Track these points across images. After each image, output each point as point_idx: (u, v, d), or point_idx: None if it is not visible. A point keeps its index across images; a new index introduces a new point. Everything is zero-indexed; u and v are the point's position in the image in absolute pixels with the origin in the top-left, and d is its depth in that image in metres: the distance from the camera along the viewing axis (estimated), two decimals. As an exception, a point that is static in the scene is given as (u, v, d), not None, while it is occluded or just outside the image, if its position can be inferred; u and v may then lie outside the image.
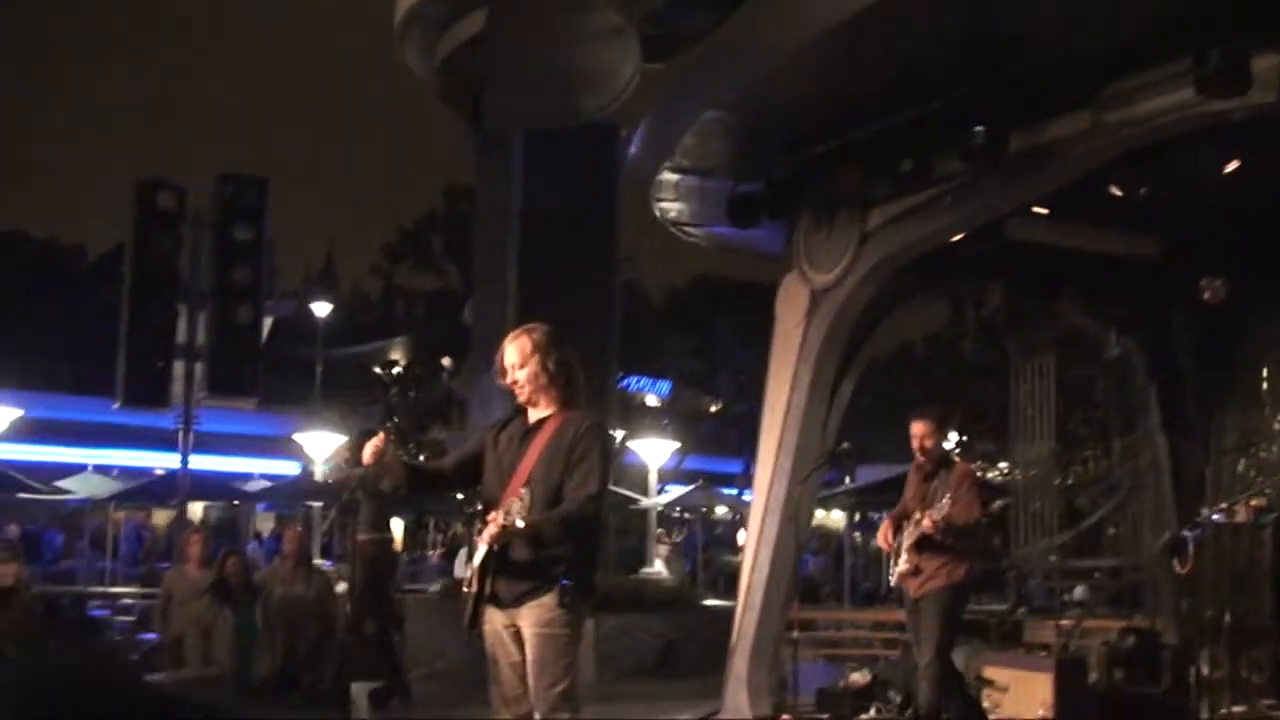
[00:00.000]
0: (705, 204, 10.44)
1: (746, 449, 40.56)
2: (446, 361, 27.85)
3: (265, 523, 30.95)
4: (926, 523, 7.54)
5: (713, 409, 48.31)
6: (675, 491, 28.33)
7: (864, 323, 9.72)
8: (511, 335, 5.29)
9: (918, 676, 7.85)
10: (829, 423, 9.60)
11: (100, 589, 20.77)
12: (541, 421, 5.17)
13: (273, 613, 10.58)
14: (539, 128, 10.01)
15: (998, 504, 17.15)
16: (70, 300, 48.60)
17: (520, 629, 5.05)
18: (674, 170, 9.99)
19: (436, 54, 8.24)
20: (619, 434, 14.70)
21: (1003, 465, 26.04)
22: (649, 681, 11.97)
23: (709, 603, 19.42)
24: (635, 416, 39.61)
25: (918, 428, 7.96)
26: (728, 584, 28.13)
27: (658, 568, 22.01)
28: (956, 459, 8.33)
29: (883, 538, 8.11)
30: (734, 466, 42.65)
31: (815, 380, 9.48)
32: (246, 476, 29.83)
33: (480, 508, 5.37)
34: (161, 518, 29.37)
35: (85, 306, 44.99)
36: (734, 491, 39.17)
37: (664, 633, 12.78)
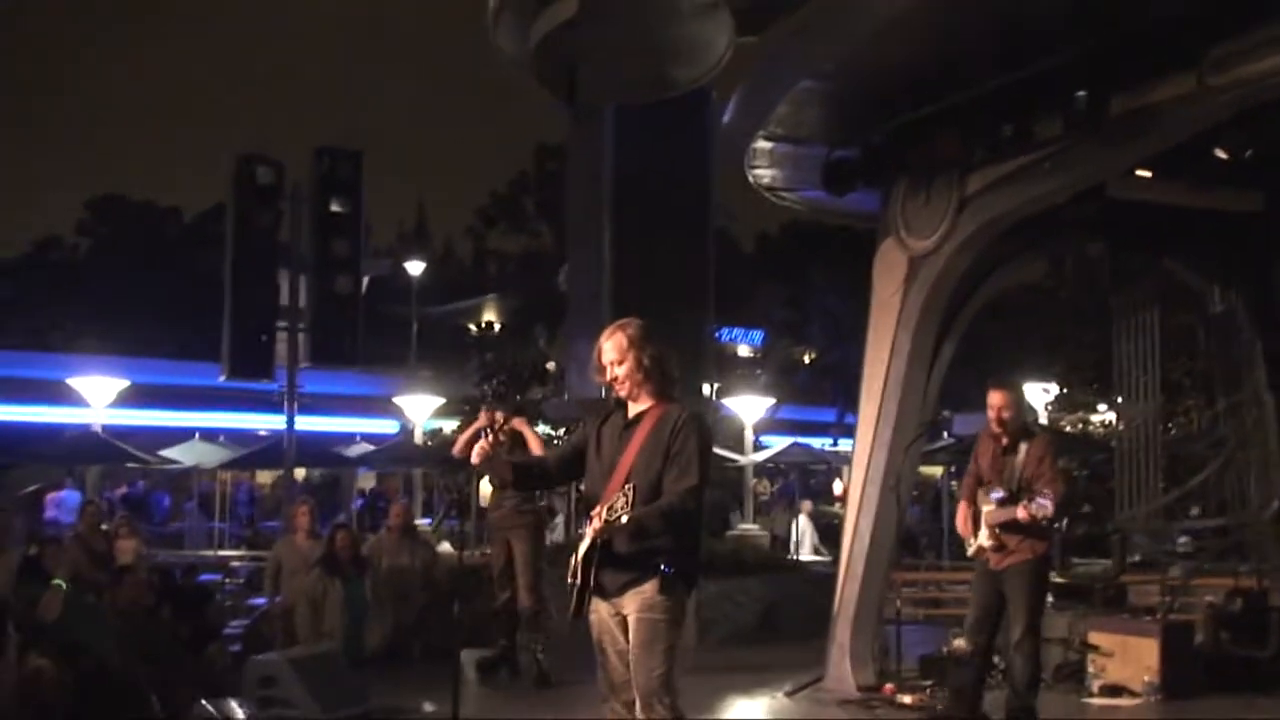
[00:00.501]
0: (799, 169, 10.41)
1: (840, 398, 40.51)
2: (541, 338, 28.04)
3: (367, 481, 31.50)
4: (1022, 514, 7.46)
5: (806, 358, 48.16)
6: (771, 447, 28.25)
7: (963, 288, 9.63)
8: (607, 332, 5.38)
9: (1012, 650, 7.80)
10: (929, 390, 9.55)
11: (210, 552, 21.30)
12: (640, 415, 5.28)
13: (380, 584, 10.81)
14: (632, 102, 9.99)
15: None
16: (169, 263, 49.48)
17: (625, 616, 5.18)
18: (768, 138, 9.94)
19: (530, 38, 8.26)
20: (714, 388, 14.74)
21: (1102, 413, 25.77)
22: (749, 647, 12.00)
23: (807, 558, 19.50)
24: (729, 368, 39.66)
25: (996, 398, 7.88)
26: (823, 534, 28.21)
27: (752, 525, 22.04)
28: (1037, 430, 8.19)
29: (962, 522, 8.04)
30: (828, 415, 42.58)
31: (915, 348, 9.43)
32: (348, 436, 30.35)
33: (583, 501, 5.47)
34: (266, 476, 30.06)
35: (184, 270, 45.88)
36: (828, 440, 39.13)
37: (764, 596, 12.77)
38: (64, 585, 7.78)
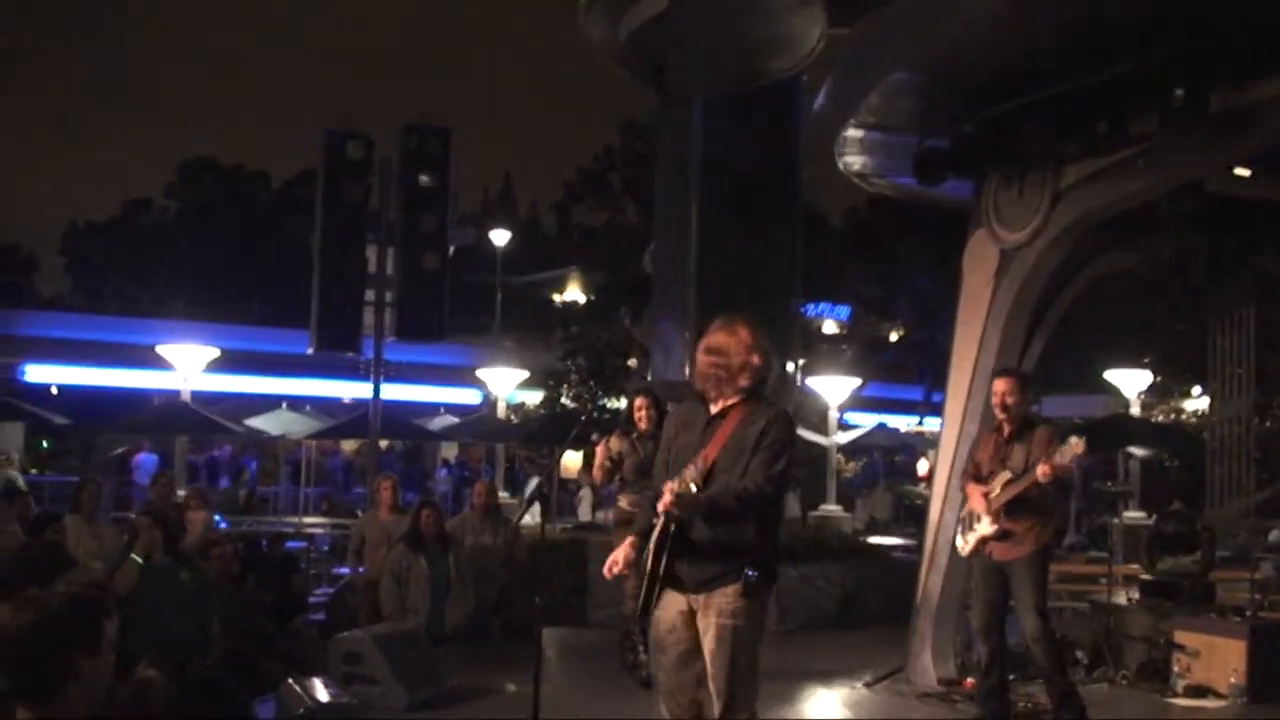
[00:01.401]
0: (891, 157, 10.44)
1: (927, 376, 40.28)
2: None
3: (450, 450, 31.93)
4: (1041, 470, 7.32)
5: (893, 335, 47.88)
6: (855, 426, 28.23)
7: (1054, 282, 9.62)
8: (727, 321, 5.39)
9: (1030, 644, 7.78)
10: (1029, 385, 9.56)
11: (295, 518, 21.76)
12: (726, 410, 5.28)
13: (463, 562, 11.02)
14: (721, 92, 10.06)
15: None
16: (257, 229, 50.19)
17: (699, 615, 5.13)
18: (858, 126, 9.98)
19: (620, 30, 8.37)
20: (798, 365, 14.78)
21: (1194, 405, 25.47)
22: (829, 633, 12.10)
23: (888, 541, 19.50)
24: (813, 344, 39.54)
25: (1001, 384, 7.93)
26: (908, 515, 28.19)
27: (835, 507, 22.09)
28: (1039, 421, 8.16)
29: (978, 497, 7.90)
30: (914, 394, 42.33)
31: (1004, 342, 9.43)
32: (431, 406, 30.74)
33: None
34: (351, 444, 30.58)
35: (272, 236, 46.55)
36: (914, 419, 38.95)
37: (844, 582, 12.86)
38: (140, 560, 7.92)
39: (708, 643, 5.11)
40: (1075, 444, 7.34)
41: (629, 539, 5.30)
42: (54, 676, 3.09)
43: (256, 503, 25.10)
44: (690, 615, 5.16)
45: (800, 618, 12.35)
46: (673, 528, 5.07)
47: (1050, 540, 7.90)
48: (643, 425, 9.12)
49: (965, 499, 8.11)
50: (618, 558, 5.24)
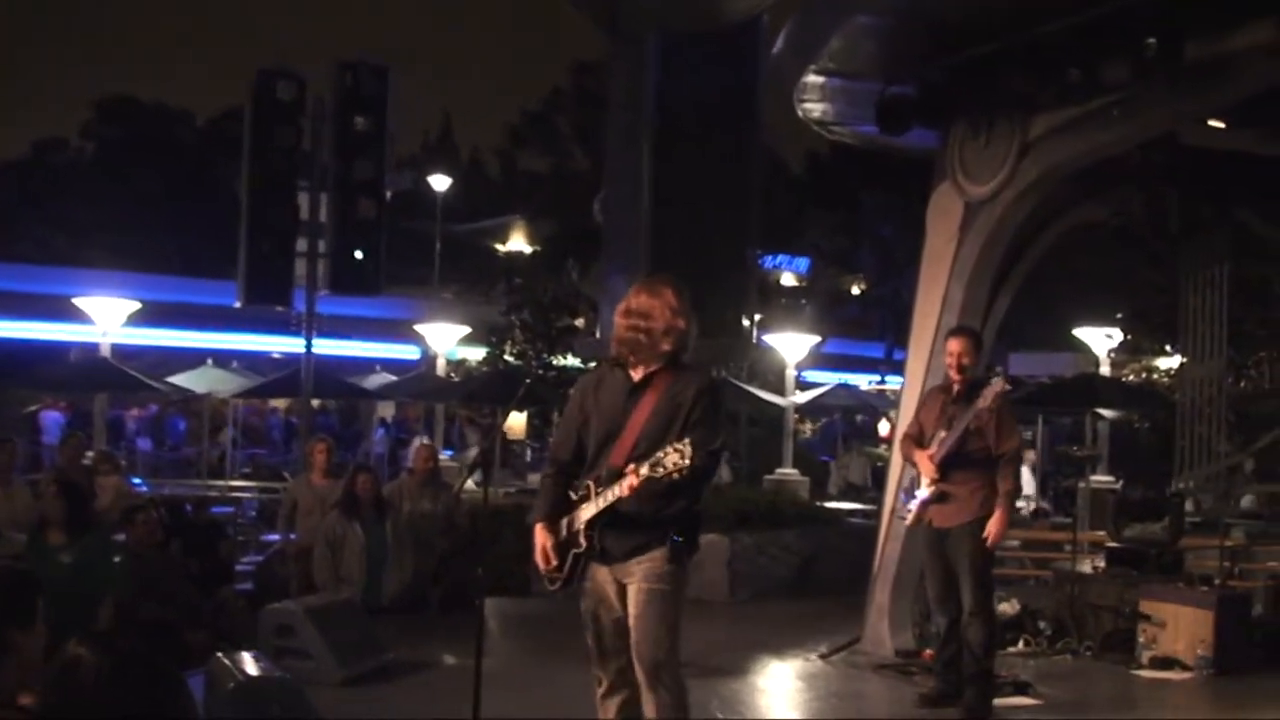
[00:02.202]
0: (853, 105, 10.47)
1: (890, 332, 40.56)
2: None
3: (386, 409, 31.84)
4: (982, 405, 7.43)
5: (854, 289, 48.12)
6: (813, 385, 28.40)
7: (1021, 237, 9.72)
8: (649, 282, 5.45)
9: (965, 621, 7.84)
10: (982, 346, 9.66)
11: (221, 482, 21.67)
12: (649, 378, 5.31)
13: (401, 529, 11.05)
14: (679, 32, 10.06)
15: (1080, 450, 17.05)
16: (181, 170, 49.63)
17: (626, 585, 5.29)
18: (819, 73, 10.02)
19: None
20: (754, 320, 14.79)
21: (1167, 364, 25.75)
22: (783, 603, 12.23)
23: (845, 506, 19.68)
24: (771, 298, 39.68)
25: (956, 344, 7.99)
26: (872, 476, 28.43)
27: (791, 471, 22.22)
28: (993, 380, 8.27)
29: (924, 460, 7.94)
30: (876, 351, 42.62)
31: (967, 301, 9.53)
32: (366, 363, 30.66)
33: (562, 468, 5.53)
34: (280, 402, 30.45)
35: (198, 179, 46.07)
36: (875, 378, 39.21)
37: (800, 550, 13.00)
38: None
39: (632, 609, 5.26)
40: (996, 383, 7.49)
41: (539, 525, 5.38)
42: None
43: (182, 464, 24.94)
44: (620, 587, 5.31)
45: (753, 587, 12.48)
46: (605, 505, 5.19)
47: (994, 507, 7.86)
48: None
49: (906, 463, 8.18)
50: (546, 548, 5.32)
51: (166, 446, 29.07)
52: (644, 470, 5.00)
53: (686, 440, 4.98)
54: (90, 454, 14.63)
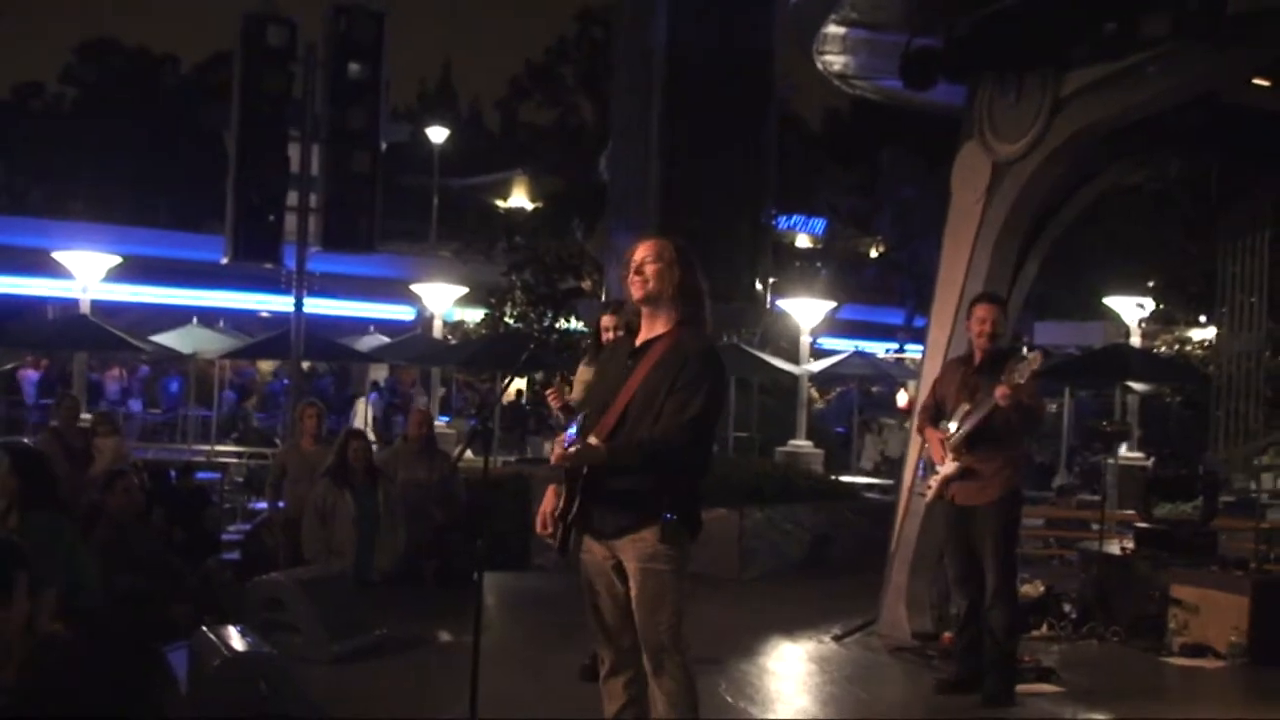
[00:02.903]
0: (875, 57, 10.43)
1: (911, 298, 40.48)
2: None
3: (379, 371, 31.87)
4: (999, 392, 7.32)
5: (873, 252, 48.00)
6: (830, 353, 28.40)
7: (1051, 199, 9.66)
8: (647, 236, 5.49)
9: (987, 603, 7.81)
10: (1008, 314, 9.63)
11: (206, 446, 21.72)
12: (650, 343, 5.31)
13: (394, 499, 11.05)
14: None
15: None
16: (165, 118, 49.53)
17: (621, 562, 5.28)
18: (840, 23, 9.96)
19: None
20: (768, 284, 14.72)
21: (1201, 335, 25.71)
22: (796, 581, 12.24)
23: (861, 480, 19.71)
24: (785, 260, 39.61)
25: (984, 311, 7.90)
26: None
27: (805, 443, 22.25)
28: (1013, 350, 8.17)
29: (935, 444, 7.94)
30: (895, 318, 42.57)
31: (994, 266, 9.48)
32: (359, 323, 30.68)
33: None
34: (267, 364, 30.51)
35: (183, 127, 45.97)
36: (895, 346, 39.18)
37: (813, 526, 13.00)
38: None
39: (632, 590, 5.26)
40: (1033, 359, 7.39)
41: (550, 488, 5.35)
42: None
43: (172, 425, 24.98)
44: (616, 563, 5.30)
45: (764, 565, 12.48)
46: (585, 472, 5.17)
47: (1020, 483, 7.91)
48: None
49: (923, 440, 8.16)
50: (545, 511, 5.32)
51: (162, 410, 29.09)
52: (562, 444, 5.10)
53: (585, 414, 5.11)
54: (86, 416, 14.68)
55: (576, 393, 7.93)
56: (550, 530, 5.28)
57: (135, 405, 29.01)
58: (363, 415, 24.85)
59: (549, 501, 5.32)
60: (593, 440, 5.12)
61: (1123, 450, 19.80)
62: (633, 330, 5.44)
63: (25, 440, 16.57)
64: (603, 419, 5.25)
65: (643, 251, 5.34)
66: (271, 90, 13.45)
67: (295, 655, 7.87)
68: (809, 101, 47.03)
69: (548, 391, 7.64)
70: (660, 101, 12.93)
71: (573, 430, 5.13)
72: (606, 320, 7.79)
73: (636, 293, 5.31)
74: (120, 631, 2.45)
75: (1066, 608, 10.24)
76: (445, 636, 9.34)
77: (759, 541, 12.50)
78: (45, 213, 36.92)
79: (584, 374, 8.04)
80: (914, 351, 33.50)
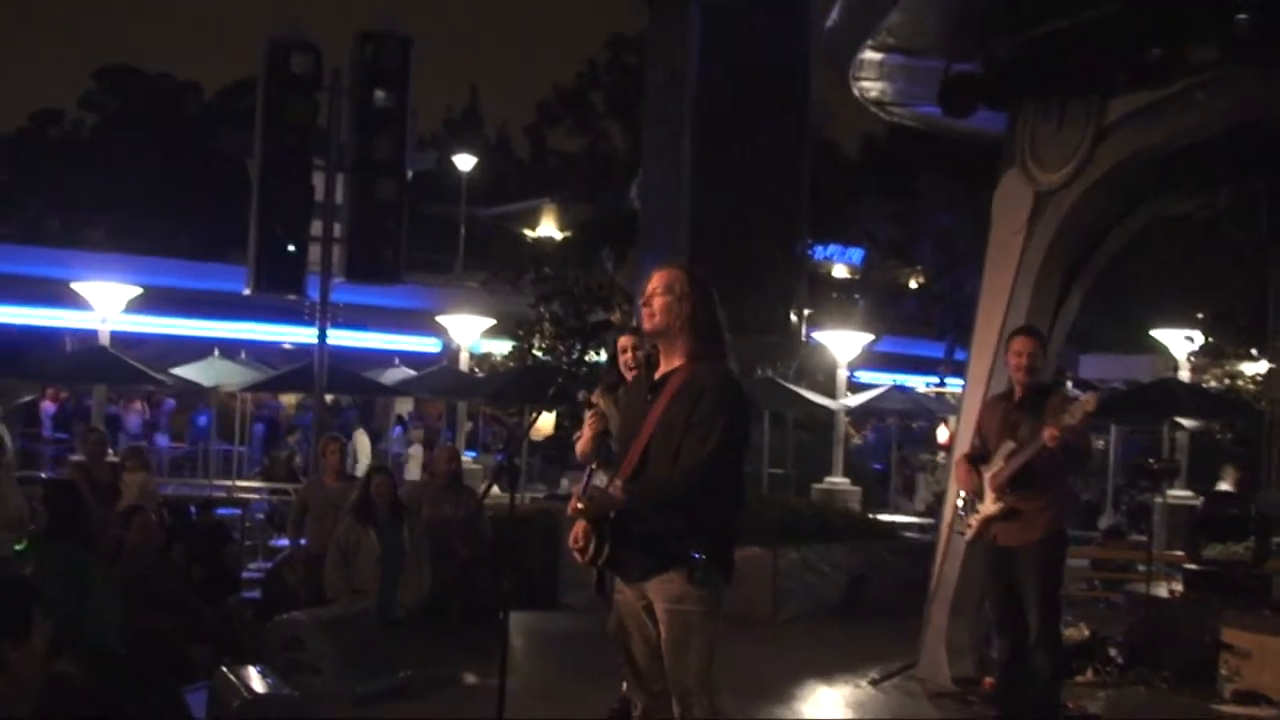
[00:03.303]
0: (914, 83, 10.48)
1: (951, 330, 40.38)
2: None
3: (404, 406, 31.93)
4: (1048, 434, 7.22)
5: (913, 283, 47.92)
6: (868, 387, 28.34)
7: (1095, 229, 9.66)
8: (664, 267, 5.46)
9: (1029, 647, 7.70)
10: (1049, 348, 9.60)
11: (227, 481, 21.79)
12: (667, 376, 5.31)
13: (420, 536, 11.08)
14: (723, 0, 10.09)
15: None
16: (187, 145, 49.82)
17: (651, 604, 5.28)
18: (877, 49, 9.99)
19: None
20: (803, 316, 14.68)
21: (1253, 369, 25.57)
22: (832, 623, 12.23)
23: (900, 519, 19.64)
24: (822, 292, 39.60)
25: (1021, 344, 7.80)
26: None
27: (842, 480, 22.20)
28: (1056, 387, 8.08)
29: (964, 476, 7.94)
30: (935, 350, 42.45)
31: (1036, 299, 9.47)
32: (384, 355, 30.73)
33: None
34: (290, 396, 30.62)
35: (205, 156, 46.23)
36: (935, 379, 39.06)
37: (851, 566, 12.98)
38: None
39: (662, 631, 5.26)
40: (1086, 400, 7.33)
41: (582, 525, 5.31)
42: None
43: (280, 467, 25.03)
44: (646, 604, 5.31)
45: (800, 606, 12.47)
46: (610, 516, 5.18)
47: (1064, 524, 7.85)
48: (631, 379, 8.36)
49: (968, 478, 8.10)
50: (577, 534, 5.29)
51: (188, 444, 29.19)
52: (577, 500, 5.13)
53: (614, 470, 5.10)
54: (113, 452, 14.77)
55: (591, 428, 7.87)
56: (582, 545, 5.28)
57: (161, 440, 29.15)
58: (366, 451, 24.85)
59: (580, 525, 5.31)
60: (614, 483, 5.14)
61: (1171, 489, 19.69)
62: (653, 362, 5.45)
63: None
64: (626, 457, 5.27)
65: (653, 283, 5.35)
66: (296, 118, 13.51)
67: (316, 697, 7.91)
68: (846, 127, 47.11)
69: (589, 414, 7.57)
70: (692, 128, 12.97)
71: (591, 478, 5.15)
72: (624, 341, 7.72)
73: (646, 325, 5.33)
74: (138, 671, 2.45)
75: (1113, 652, 10.17)
76: (471, 678, 9.37)
77: (794, 582, 12.49)
78: (64, 242, 37.18)
79: (599, 402, 7.95)
80: (955, 386, 33.39)
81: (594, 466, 5.35)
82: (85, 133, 57.90)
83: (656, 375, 5.37)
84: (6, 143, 55.81)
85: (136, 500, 11.31)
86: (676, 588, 5.17)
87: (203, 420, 28.03)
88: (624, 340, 7.75)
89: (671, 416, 5.19)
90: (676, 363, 5.30)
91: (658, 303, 5.26)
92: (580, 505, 5.14)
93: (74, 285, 20.54)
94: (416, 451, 25.86)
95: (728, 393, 5.21)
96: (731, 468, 5.26)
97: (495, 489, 12.73)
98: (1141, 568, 12.09)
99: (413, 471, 24.28)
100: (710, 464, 5.11)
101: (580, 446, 7.60)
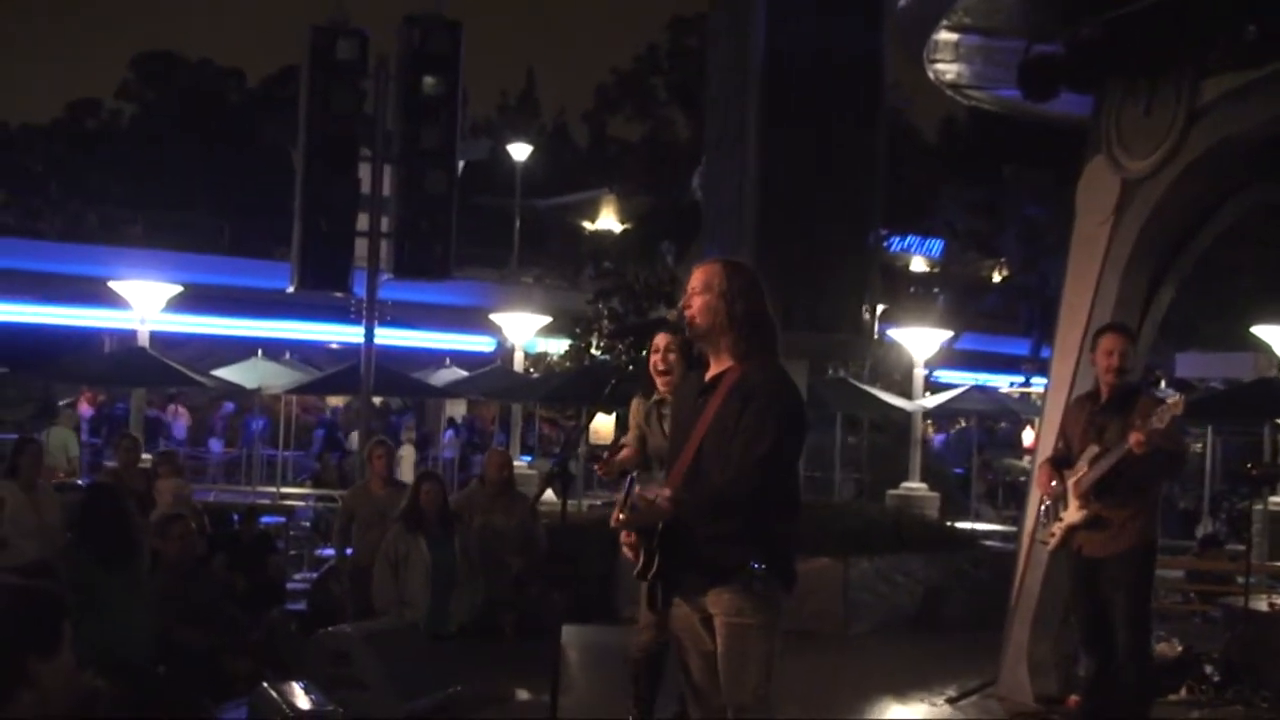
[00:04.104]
0: (992, 65, 10.45)
1: (1035, 326, 40.20)
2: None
3: (456, 408, 32.09)
4: (1134, 439, 7.19)
5: (995, 276, 47.70)
6: (947, 387, 28.27)
7: (1188, 219, 9.60)
8: (705, 263, 5.46)
9: (1117, 664, 7.67)
10: (1139, 345, 9.55)
11: (272, 488, 21.98)
12: (717, 378, 5.30)
13: (471, 546, 11.14)
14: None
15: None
16: (229, 138, 50.24)
17: (710, 617, 5.26)
18: (953, 29, 9.97)
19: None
20: (876, 312, 14.59)
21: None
22: (908, 636, 12.20)
23: (981, 527, 19.57)
24: (898, 286, 39.50)
25: (1110, 342, 7.76)
26: (1006, 494, 28.23)
27: (919, 485, 22.15)
28: (1145, 389, 8.01)
29: (1045, 479, 7.92)
30: (1019, 348, 42.27)
31: (1124, 293, 9.42)
32: (435, 355, 30.91)
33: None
34: (336, 398, 30.85)
35: (248, 147, 46.66)
36: (1019, 379, 38.88)
37: (927, 577, 12.93)
38: None
39: (718, 645, 5.25)
40: (1173, 403, 7.28)
41: (630, 537, 5.30)
42: (2, 682, 3.15)
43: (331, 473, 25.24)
44: (705, 618, 5.29)
45: (872, 619, 12.45)
46: (659, 528, 5.16)
47: (1156, 534, 7.81)
48: (663, 384, 7.65)
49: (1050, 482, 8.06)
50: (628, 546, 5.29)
51: (240, 449, 29.49)
52: (619, 510, 5.12)
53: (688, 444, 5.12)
54: (146, 456, 14.92)
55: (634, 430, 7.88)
56: (632, 557, 5.30)
57: (215, 445, 29.45)
58: (409, 459, 24.84)
59: (628, 537, 5.30)
60: (663, 493, 5.12)
61: (1273, 496, 19.49)
62: (701, 360, 5.45)
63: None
64: (677, 463, 5.29)
65: (692, 281, 5.37)
66: (341, 107, 13.62)
67: (363, 714, 7.96)
68: (925, 111, 46.93)
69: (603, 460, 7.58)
70: (758, 113, 12.94)
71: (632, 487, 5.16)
72: (660, 340, 7.60)
73: (688, 328, 5.34)
74: (170, 686, 2.49)
75: (1208, 670, 10.08)
76: (523, 694, 9.42)
77: (866, 593, 12.47)
78: (101, 239, 37.61)
79: (636, 410, 7.91)
80: (1040, 385, 33.21)
81: (633, 475, 5.35)
82: (124, 123, 58.46)
83: (707, 377, 5.37)
84: (41, 135, 56.44)
85: (171, 507, 11.46)
86: (735, 600, 5.16)
87: (257, 425, 28.31)
88: (660, 339, 7.63)
89: (722, 419, 5.18)
90: (726, 363, 5.30)
91: (697, 303, 5.28)
92: (622, 517, 5.14)
93: (111, 284, 20.78)
94: (407, 451, 25.56)
95: (780, 393, 5.21)
96: (786, 470, 5.27)
97: (550, 493, 12.75)
98: (1240, 580, 11.99)
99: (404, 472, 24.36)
100: (762, 467, 5.10)
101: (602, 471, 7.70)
